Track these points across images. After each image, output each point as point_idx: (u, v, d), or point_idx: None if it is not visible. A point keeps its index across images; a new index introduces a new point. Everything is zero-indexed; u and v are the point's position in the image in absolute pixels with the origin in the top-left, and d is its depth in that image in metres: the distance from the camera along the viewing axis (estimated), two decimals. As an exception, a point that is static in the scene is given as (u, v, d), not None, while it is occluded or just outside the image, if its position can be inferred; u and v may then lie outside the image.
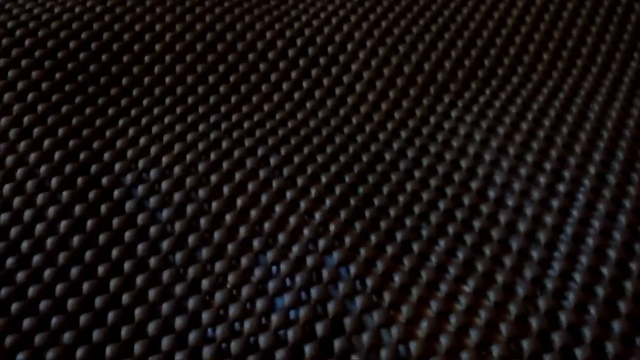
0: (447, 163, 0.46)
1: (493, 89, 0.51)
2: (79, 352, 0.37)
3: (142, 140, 0.46)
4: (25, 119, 0.46)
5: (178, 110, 0.48)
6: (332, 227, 0.41)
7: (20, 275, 0.39)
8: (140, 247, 0.41)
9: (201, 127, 0.47)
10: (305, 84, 0.51)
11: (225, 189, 0.43)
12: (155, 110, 0.48)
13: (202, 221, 0.42)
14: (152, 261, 0.40)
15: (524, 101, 0.50)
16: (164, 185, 0.44)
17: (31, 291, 0.39)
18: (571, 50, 0.55)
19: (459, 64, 0.53)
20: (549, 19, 0.57)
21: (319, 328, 0.37)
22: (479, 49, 0.54)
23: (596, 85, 0.52)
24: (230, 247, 0.41)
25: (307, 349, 0.36)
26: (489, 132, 0.47)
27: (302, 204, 0.43)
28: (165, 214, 0.42)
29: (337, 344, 0.37)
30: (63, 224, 0.41)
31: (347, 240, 0.41)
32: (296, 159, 0.45)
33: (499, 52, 0.54)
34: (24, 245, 0.40)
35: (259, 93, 0.50)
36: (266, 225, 0.42)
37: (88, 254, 0.40)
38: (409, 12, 0.58)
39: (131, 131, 0.47)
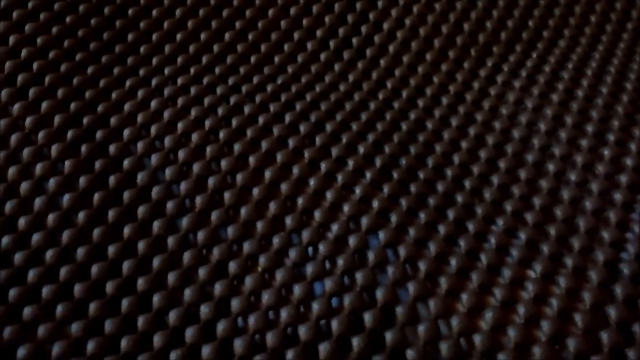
0: (498, 133, 0.41)
1: (540, 52, 0.46)
2: (90, 346, 0.32)
3: (153, 104, 0.41)
4: (20, 78, 0.40)
5: (192, 70, 0.43)
6: (374, 204, 0.37)
7: (18, 257, 0.34)
8: (155, 225, 0.36)
9: (219, 90, 0.42)
10: (332, 44, 0.46)
11: (251, 159, 0.38)
12: (167, 70, 0.43)
13: (226, 195, 0.37)
14: (170, 241, 0.35)
15: (575, 66, 0.45)
16: (181, 154, 0.38)
17: (31, 275, 0.34)
18: (620, 12, 0.50)
19: (501, 24, 0.48)
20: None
21: (367, 318, 0.33)
22: (522, 8, 0.49)
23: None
24: (259, 225, 0.36)
25: (355, 342, 0.32)
26: (542, 99, 0.42)
27: (340, 177, 0.38)
28: (183, 187, 0.37)
29: (388, 336, 0.32)
30: (66, 198, 0.36)
31: (393, 218, 0.36)
32: (329, 127, 0.40)
33: (543, 12, 0.49)
34: (22, 222, 0.35)
35: (281, 53, 0.45)
36: (299, 200, 0.37)
37: (96, 233, 0.35)
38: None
39: (140, 93, 0.41)
